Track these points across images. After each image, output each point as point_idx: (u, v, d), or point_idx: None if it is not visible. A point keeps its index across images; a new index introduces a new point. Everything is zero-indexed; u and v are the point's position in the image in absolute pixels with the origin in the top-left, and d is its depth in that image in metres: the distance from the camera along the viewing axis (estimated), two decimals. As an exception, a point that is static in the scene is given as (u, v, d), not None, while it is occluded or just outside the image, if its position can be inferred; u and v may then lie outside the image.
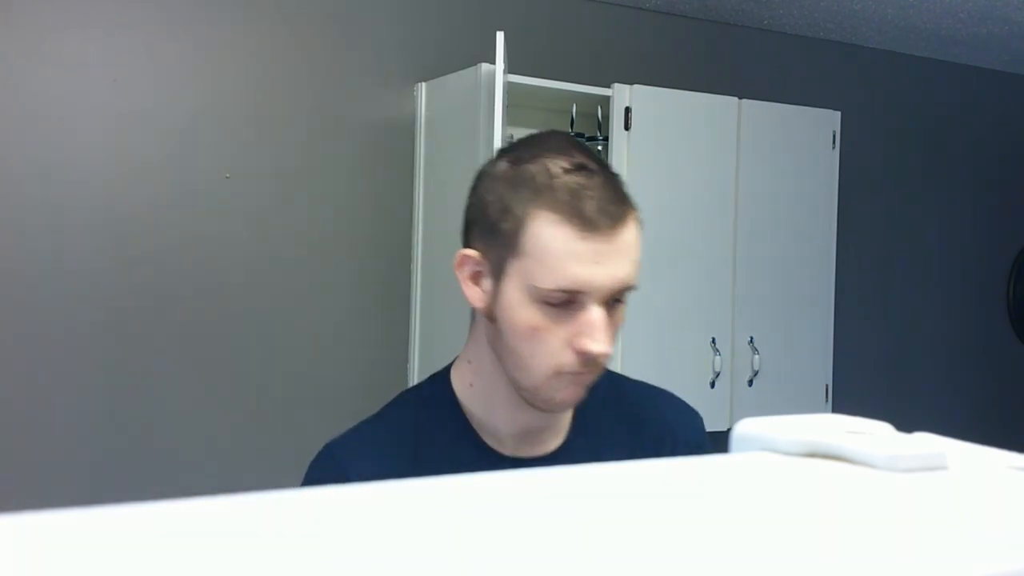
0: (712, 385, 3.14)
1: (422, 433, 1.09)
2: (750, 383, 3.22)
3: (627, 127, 3.01)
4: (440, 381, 1.13)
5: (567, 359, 1.00)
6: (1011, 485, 0.31)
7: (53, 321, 2.68)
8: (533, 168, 1.00)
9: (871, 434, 0.34)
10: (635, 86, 3.04)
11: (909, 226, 4.08)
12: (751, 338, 3.23)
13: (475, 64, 2.85)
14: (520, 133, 2.99)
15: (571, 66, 3.24)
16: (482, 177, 1.06)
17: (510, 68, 2.76)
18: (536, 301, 0.99)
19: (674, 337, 3.08)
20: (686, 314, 3.10)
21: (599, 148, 3.09)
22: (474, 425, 1.10)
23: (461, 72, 2.94)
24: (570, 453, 1.10)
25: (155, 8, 2.80)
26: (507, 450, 1.10)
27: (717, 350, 3.15)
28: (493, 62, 2.64)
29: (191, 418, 2.83)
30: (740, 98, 3.24)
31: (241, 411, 2.89)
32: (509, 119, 2.80)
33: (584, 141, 3.11)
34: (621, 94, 3.02)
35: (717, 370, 3.14)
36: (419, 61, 3.13)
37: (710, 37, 3.63)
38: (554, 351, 1.00)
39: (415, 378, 3.10)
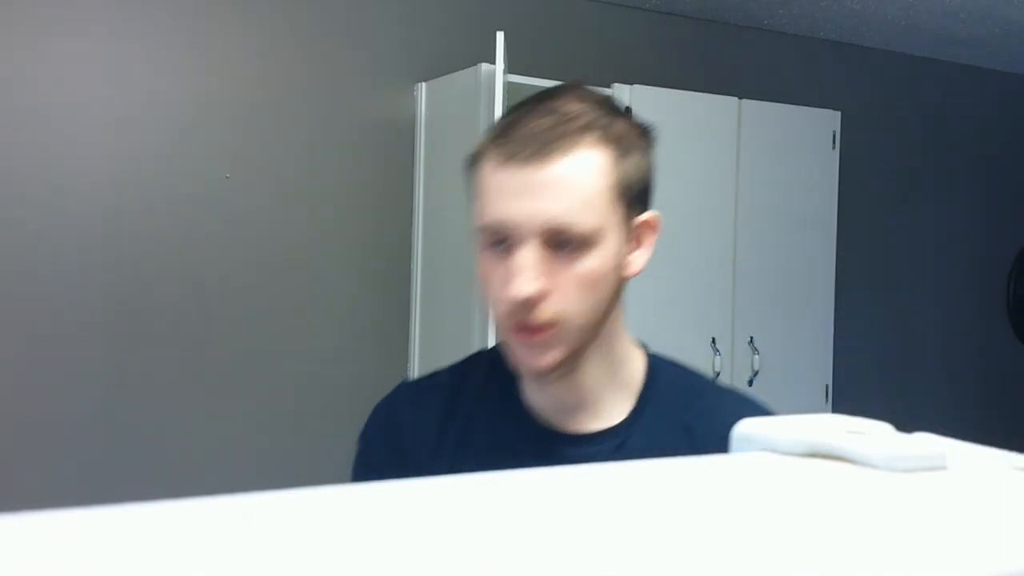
0: (712, 385, 3.14)
1: (466, 392, 1.05)
2: (750, 383, 3.22)
3: (627, 127, 3.01)
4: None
5: (502, 309, 0.92)
6: (1011, 485, 0.31)
7: (52, 321, 2.68)
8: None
9: (871, 434, 0.34)
10: (635, 86, 3.04)
11: (909, 226, 4.08)
12: (751, 338, 3.23)
13: (475, 64, 2.85)
14: (520, 133, 3.00)
15: (571, 66, 3.23)
16: None
17: (510, 68, 2.76)
18: (483, 247, 0.94)
19: (674, 337, 3.08)
20: (686, 314, 3.10)
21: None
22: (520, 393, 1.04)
23: (461, 72, 2.94)
24: (613, 438, 1.01)
25: (155, 8, 2.80)
26: (543, 422, 1.02)
27: (717, 350, 3.15)
28: (493, 62, 2.64)
29: (190, 417, 2.83)
30: (740, 98, 3.24)
31: (240, 411, 2.89)
32: (509, 119, 2.80)
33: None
34: (621, 94, 3.02)
35: (717, 370, 3.14)
36: (419, 61, 3.13)
37: (710, 37, 3.63)
38: (497, 298, 0.93)
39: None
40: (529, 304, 0.90)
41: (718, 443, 0.97)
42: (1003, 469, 0.33)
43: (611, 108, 0.97)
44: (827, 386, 3.40)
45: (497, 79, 2.60)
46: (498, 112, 2.56)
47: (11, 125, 2.65)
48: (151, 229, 2.78)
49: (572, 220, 0.90)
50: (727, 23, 3.66)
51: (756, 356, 3.22)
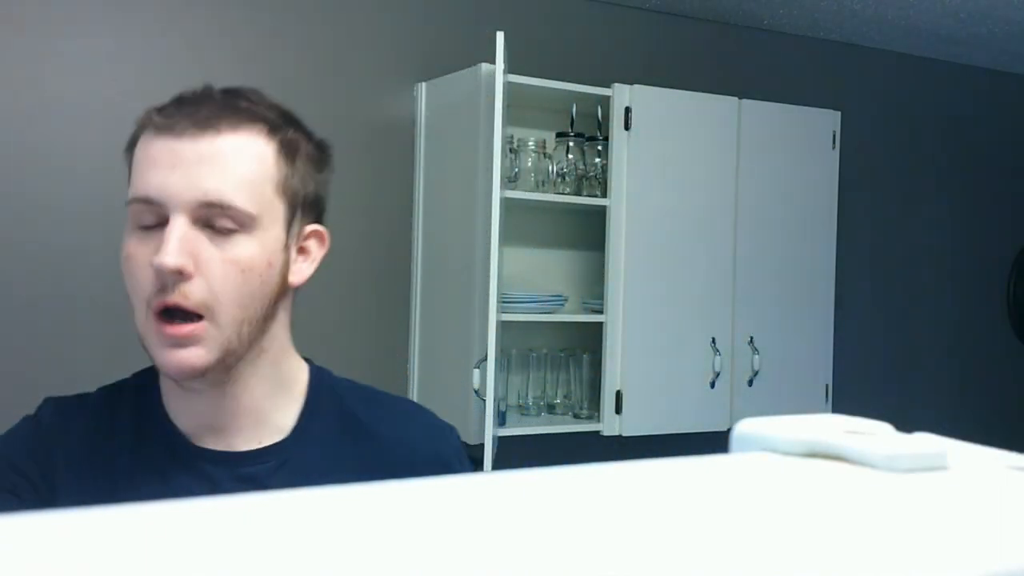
0: (712, 385, 3.14)
1: (118, 414, 1.01)
2: (750, 383, 3.22)
3: (627, 127, 3.01)
4: None
5: (146, 291, 0.87)
6: (1011, 485, 0.31)
7: (53, 321, 2.68)
8: None
9: (871, 434, 0.34)
10: (635, 86, 3.04)
11: (909, 226, 4.08)
12: (751, 338, 3.23)
13: (475, 64, 2.85)
14: (520, 133, 3.01)
15: (571, 66, 3.23)
16: None
17: (510, 68, 2.76)
18: (132, 228, 0.90)
19: (674, 337, 3.08)
20: (686, 314, 3.10)
21: (599, 148, 3.09)
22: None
23: (461, 72, 2.94)
24: (276, 455, 0.95)
25: (155, 8, 2.80)
26: (195, 440, 0.97)
27: (717, 350, 3.15)
28: (493, 62, 2.64)
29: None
30: (740, 98, 3.24)
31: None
32: (509, 119, 2.80)
33: (581, 139, 3.10)
34: (621, 94, 3.02)
35: (717, 370, 3.14)
36: (419, 61, 3.12)
37: (710, 37, 3.63)
38: (142, 280, 0.87)
39: (415, 378, 3.10)
40: (176, 281, 0.85)
41: (408, 447, 0.98)
42: (1003, 469, 0.33)
43: (287, 117, 0.99)
44: (827, 386, 3.40)
45: (497, 79, 2.60)
46: (499, 112, 2.56)
47: (12, 125, 2.65)
48: (151, 229, 2.78)
49: (229, 198, 0.87)
50: (727, 23, 3.66)
51: (756, 356, 3.22)
